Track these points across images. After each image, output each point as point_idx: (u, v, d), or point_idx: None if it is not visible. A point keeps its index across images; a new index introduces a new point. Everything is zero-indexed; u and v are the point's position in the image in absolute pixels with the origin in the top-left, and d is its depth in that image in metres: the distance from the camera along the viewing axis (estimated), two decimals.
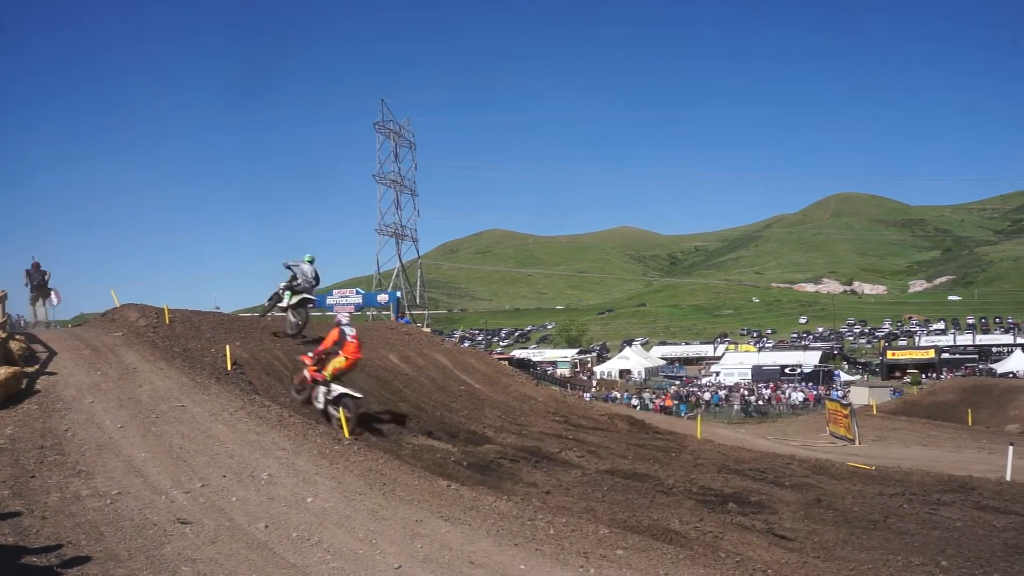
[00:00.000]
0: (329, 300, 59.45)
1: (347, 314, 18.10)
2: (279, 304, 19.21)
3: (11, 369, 11.01)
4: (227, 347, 16.19)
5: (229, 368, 15.30)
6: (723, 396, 54.44)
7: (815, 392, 55.95)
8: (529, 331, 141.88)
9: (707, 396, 55.22)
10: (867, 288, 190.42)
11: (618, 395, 56.08)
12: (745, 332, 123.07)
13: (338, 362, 13.58)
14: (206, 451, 9.81)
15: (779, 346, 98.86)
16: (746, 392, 57.48)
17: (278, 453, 10.07)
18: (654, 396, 54.92)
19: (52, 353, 13.48)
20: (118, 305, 19.16)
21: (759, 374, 71.13)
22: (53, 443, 9.43)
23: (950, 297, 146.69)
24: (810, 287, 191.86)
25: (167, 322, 17.94)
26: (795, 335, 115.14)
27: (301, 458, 10.00)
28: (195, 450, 9.78)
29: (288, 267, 18.83)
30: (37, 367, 12.37)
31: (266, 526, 7.76)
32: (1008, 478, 14.65)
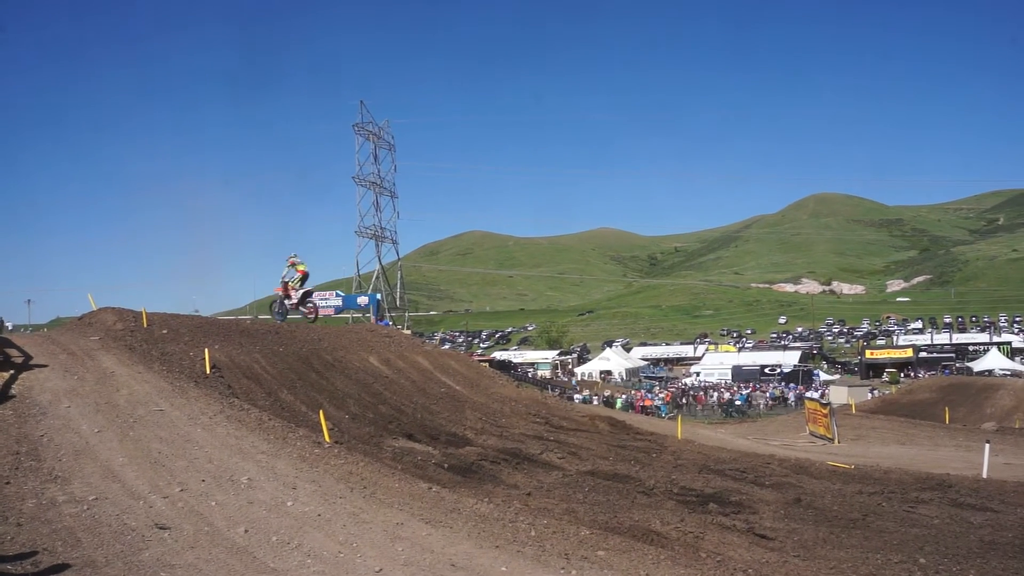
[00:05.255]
0: None
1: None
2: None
3: None
4: (206, 350, 16.09)
5: (208, 372, 15.20)
6: (747, 396, 54.22)
7: (796, 391, 56.40)
8: (510, 332, 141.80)
9: (726, 396, 54.94)
10: (845, 288, 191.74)
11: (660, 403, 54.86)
12: (725, 332, 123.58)
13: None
14: (185, 455, 9.73)
15: (759, 346, 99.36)
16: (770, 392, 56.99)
17: (258, 457, 10.01)
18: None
19: (28, 357, 13.32)
20: (95, 308, 18.99)
21: (739, 374, 71.51)
22: (29, 449, 9.32)
23: (939, 298, 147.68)
24: (789, 287, 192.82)
25: (145, 325, 17.80)
26: (775, 335, 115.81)
27: (281, 462, 9.95)
28: (173, 454, 9.70)
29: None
30: (12, 372, 12.23)
31: (246, 530, 7.71)
32: (985, 475, 14.81)
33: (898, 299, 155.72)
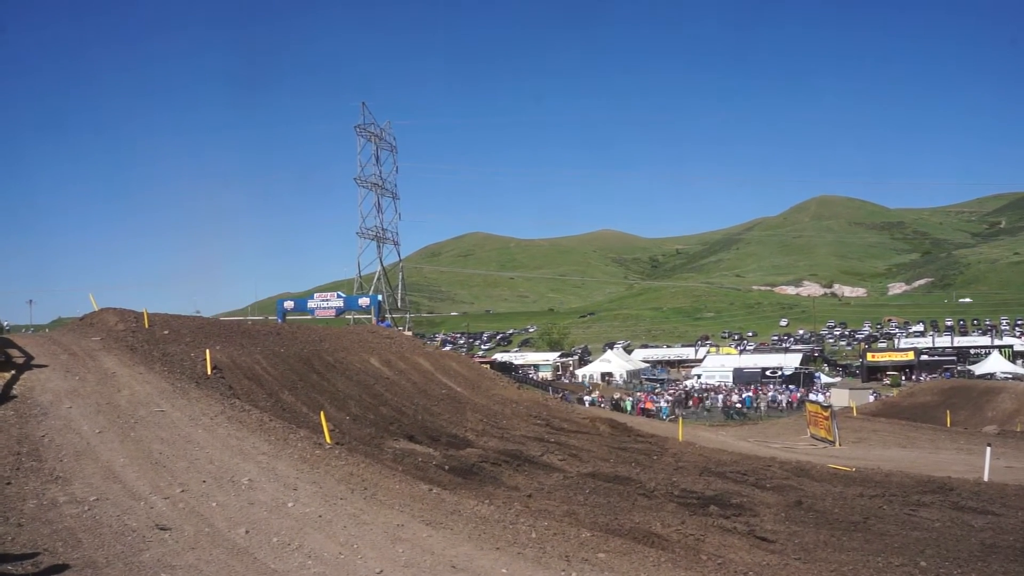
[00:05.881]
0: (310, 304, 59.28)
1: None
2: None
3: None
4: (207, 351, 16.11)
5: (209, 372, 15.22)
6: (753, 400, 54.29)
7: (797, 393, 56.35)
8: (511, 334, 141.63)
9: (733, 398, 55.00)
10: (847, 290, 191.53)
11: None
12: (726, 335, 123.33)
13: None
14: (185, 456, 9.74)
15: (760, 348, 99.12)
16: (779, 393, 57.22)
17: (259, 458, 10.02)
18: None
19: (29, 358, 13.34)
20: (97, 309, 19.02)
21: (740, 376, 71.35)
22: (30, 449, 9.33)
23: (945, 301, 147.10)
24: (791, 290, 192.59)
25: (147, 326, 17.82)
26: (776, 337, 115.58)
27: (282, 463, 9.95)
28: (174, 455, 9.71)
29: None
30: (13, 372, 12.24)
31: (246, 531, 7.71)
32: (986, 479, 14.79)
33: (897, 303, 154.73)
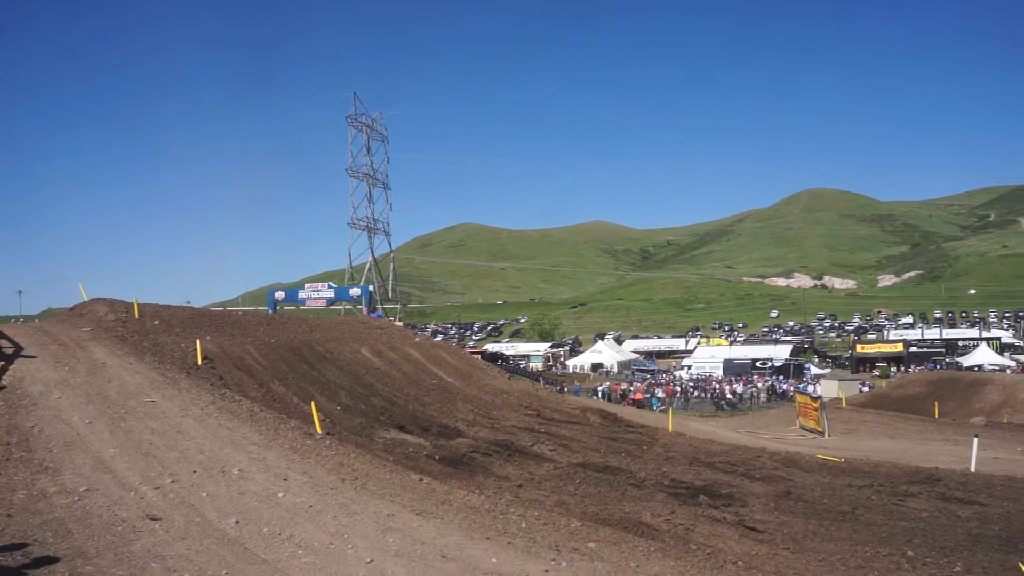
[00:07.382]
0: (301, 294, 59.28)
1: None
2: None
3: None
4: (197, 341, 16.08)
5: (199, 363, 15.20)
6: (755, 391, 54.67)
7: (788, 384, 56.68)
8: (502, 325, 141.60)
9: (739, 389, 55.36)
10: (837, 282, 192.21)
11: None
12: (717, 326, 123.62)
13: None
14: (176, 446, 9.73)
15: (750, 340, 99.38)
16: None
17: (249, 448, 10.02)
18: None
19: (18, 348, 13.29)
20: (86, 299, 18.95)
21: (731, 368, 71.56)
22: (19, 439, 9.30)
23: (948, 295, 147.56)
24: (781, 281, 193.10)
25: (137, 316, 17.77)
26: (766, 329, 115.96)
27: (272, 453, 9.95)
28: (165, 445, 9.70)
29: None
30: (3, 363, 12.20)
31: (237, 521, 7.71)
32: (973, 469, 14.91)
33: (886, 295, 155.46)
